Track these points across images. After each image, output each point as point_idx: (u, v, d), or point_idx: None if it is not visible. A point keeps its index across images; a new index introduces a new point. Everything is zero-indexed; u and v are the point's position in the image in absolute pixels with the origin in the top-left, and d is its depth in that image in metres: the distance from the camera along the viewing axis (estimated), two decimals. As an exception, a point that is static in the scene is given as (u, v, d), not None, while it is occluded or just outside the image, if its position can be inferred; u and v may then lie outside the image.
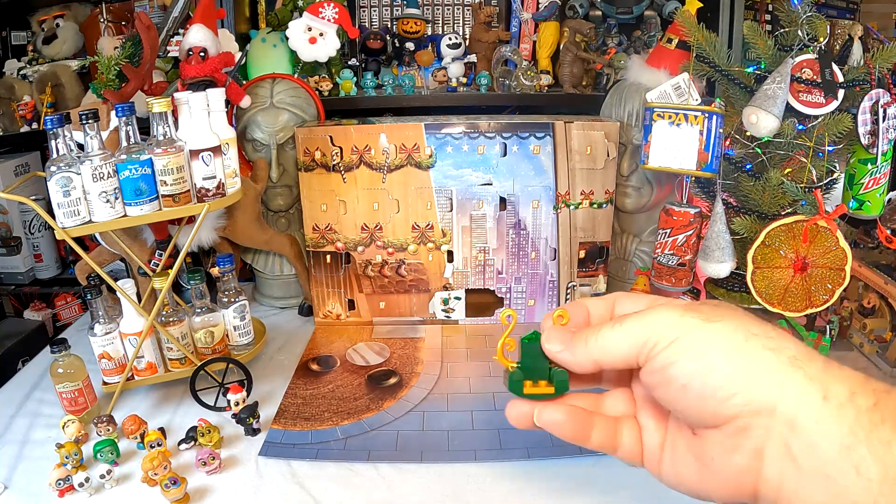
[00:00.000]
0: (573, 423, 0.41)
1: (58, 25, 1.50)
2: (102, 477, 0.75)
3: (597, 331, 0.39)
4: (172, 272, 0.89)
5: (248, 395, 0.91)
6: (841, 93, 0.92)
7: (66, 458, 0.77)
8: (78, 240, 0.82)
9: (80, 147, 0.84)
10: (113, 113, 0.88)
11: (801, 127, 0.95)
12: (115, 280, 0.87)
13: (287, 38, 1.31)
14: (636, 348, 0.36)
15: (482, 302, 1.18)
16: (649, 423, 0.41)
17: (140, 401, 0.94)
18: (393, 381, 0.98)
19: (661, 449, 0.40)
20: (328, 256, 1.16)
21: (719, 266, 0.98)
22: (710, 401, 0.33)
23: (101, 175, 0.79)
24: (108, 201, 0.80)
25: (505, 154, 1.09)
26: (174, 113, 0.90)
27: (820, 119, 0.94)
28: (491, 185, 1.11)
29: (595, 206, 1.13)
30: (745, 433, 0.33)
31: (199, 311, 0.95)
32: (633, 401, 0.43)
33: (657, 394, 0.37)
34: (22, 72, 1.51)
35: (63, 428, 0.83)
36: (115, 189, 0.81)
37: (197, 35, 1.02)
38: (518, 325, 0.41)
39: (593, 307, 0.44)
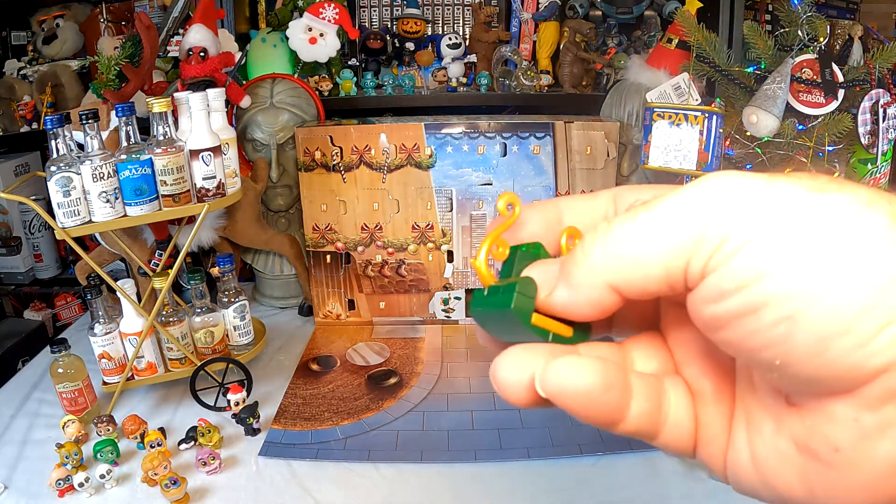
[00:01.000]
0: (606, 388, 0.22)
1: (58, 25, 1.50)
2: (102, 477, 0.74)
3: (606, 230, 0.22)
4: (172, 272, 0.89)
5: (248, 395, 0.91)
6: (841, 93, 0.92)
7: (66, 458, 0.77)
8: (78, 240, 0.82)
9: (80, 147, 0.84)
10: (113, 113, 0.88)
11: (801, 127, 0.95)
12: (115, 280, 0.87)
13: (287, 38, 1.31)
14: (682, 254, 0.20)
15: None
16: (704, 386, 0.25)
17: (140, 401, 0.94)
18: (393, 381, 0.98)
19: (727, 431, 0.24)
20: (328, 256, 1.16)
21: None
22: (836, 345, 0.18)
23: (101, 175, 0.79)
24: (108, 201, 0.80)
25: (505, 154, 1.09)
26: (174, 113, 0.90)
27: (820, 119, 0.94)
28: (491, 185, 1.11)
29: (595, 206, 1.13)
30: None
31: (199, 311, 0.95)
32: (670, 352, 0.26)
33: (725, 337, 0.20)
34: (22, 72, 1.51)
35: (63, 428, 0.83)
36: (115, 189, 0.81)
37: (197, 35, 1.02)
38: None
39: (578, 210, 0.26)
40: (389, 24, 1.53)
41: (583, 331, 0.25)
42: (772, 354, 0.20)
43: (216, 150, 0.87)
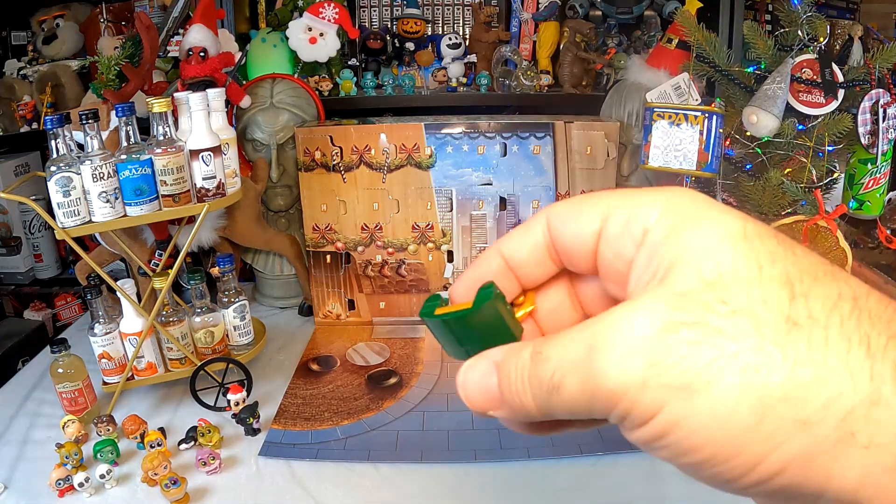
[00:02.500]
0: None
1: (58, 25, 1.50)
2: (102, 477, 0.74)
3: (526, 391, 0.25)
4: (172, 272, 0.89)
5: (248, 395, 0.91)
6: (841, 93, 0.92)
7: (66, 458, 0.77)
8: (78, 240, 0.82)
9: (80, 147, 0.84)
10: (113, 113, 0.88)
11: (801, 127, 0.95)
12: (115, 280, 0.87)
13: (287, 38, 1.31)
14: (600, 414, 0.23)
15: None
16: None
17: (140, 401, 0.94)
18: (393, 381, 0.98)
19: None
20: (328, 256, 1.16)
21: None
22: (728, 487, 0.22)
23: (101, 175, 0.79)
24: (108, 201, 0.80)
25: (505, 154, 1.09)
26: (174, 113, 0.90)
27: (820, 119, 0.94)
28: (491, 185, 1.11)
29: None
30: None
31: (199, 311, 0.95)
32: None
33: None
34: (22, 72, 1.51)
35: (63, 428, 0.83)
36: (115, 189, 0.81)
37: (197, 35, 1.02)
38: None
39: (518, 252, 0.29)
40: (389, 24, 1.53)
41: (482, 301, 0.27)
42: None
43: (216, 150, 0.87)
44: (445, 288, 1.16)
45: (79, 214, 0.80)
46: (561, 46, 1.44)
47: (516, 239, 0.29)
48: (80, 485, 0.73)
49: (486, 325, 0.27)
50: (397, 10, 1.53)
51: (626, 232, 0.25)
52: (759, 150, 0.97)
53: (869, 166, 0.99)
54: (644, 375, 0.21)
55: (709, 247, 0.22)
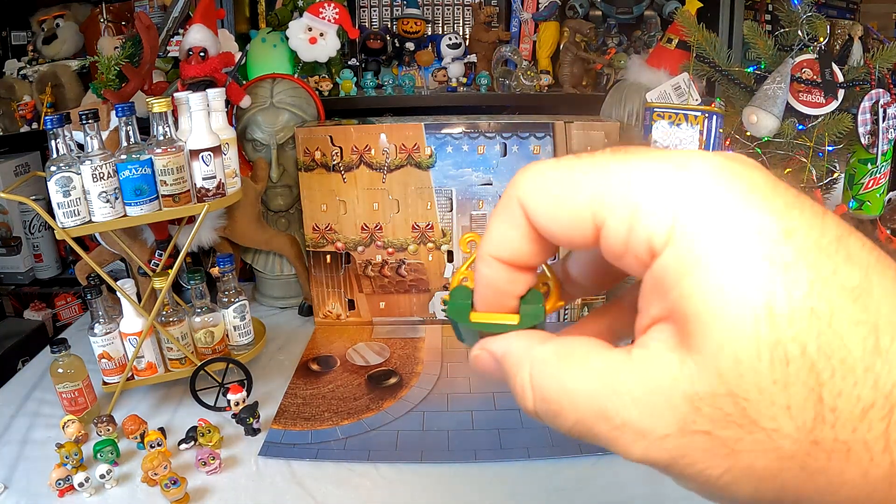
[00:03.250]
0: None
1: (58, 25, 1.50)
2: (102, 477, 0.74)
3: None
4: (172, 272, 0.89)
5: (248, 395, 0.91)
6: (841, 93, 0.92)
7: (66, 458, 0.77)
8: (78, 240, 0.82)
9: (80, 147, 0.84)
10: (113, 113, 0.88)
11: (801, 127, 0.95)
12: (115, 280, 0.87)
13: (287, 38, 1.31)
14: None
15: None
16: None
17: (140, 401, 0.94)
18: (393, 381, 0.98)
19: None
20: (328, 256, 1.16)
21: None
22: None
23: (101, 175, 0.79)
24: (108, 201, 0.80)
25: (505, 154, 1.09)
26: (174, 113, 0.90)
27: (820, 119, 0.94)
28: (491, 185, 1.11)
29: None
30: None
31: (199, 311, 0.95)
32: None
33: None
34: (22, 72, 1.51)
35: (63, 428, 0.83)
36: (115, 189, 0.81)
37: (197, 35, 1.02)
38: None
39: (512, 255, 0.26)
40: (389, 24, 1.53)
41: (529, 321, 0.26)
42: None
43: (216, 150, 0.87)
44: (446, 288, 1.16)
45: (79, 214, 0.80)
46: (561, 46, 1.44)
47: (503, 237, 0.25)
48: (80, 485, 0.73)
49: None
50: (397, 10, 1.53)
51: (629, 248, 0.22)
52: (759, 150, 0.97)
53: (869, 166, 0.99)
54: (666, 464, 0.21)
55: (729, 328, 0.19)
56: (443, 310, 0.27)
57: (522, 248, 0.25)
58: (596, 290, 0.30)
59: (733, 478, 0.20)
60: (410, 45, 1.45)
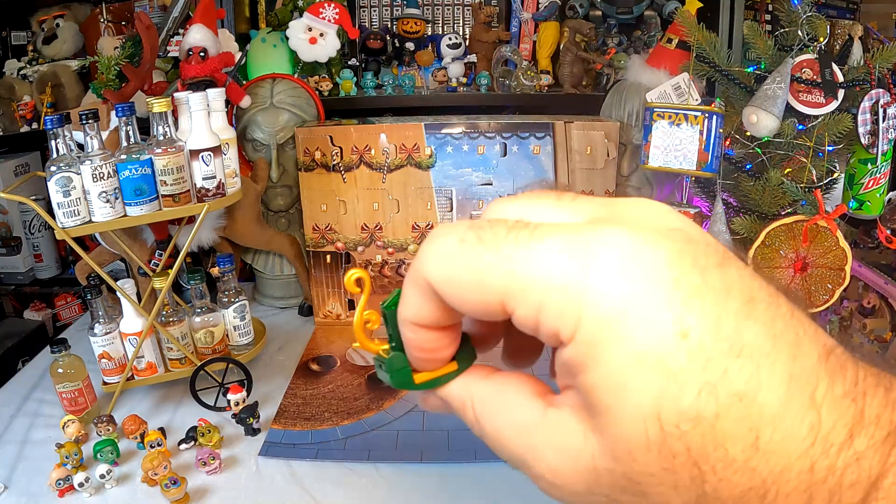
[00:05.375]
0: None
1: (58, 25, 1.50)
2: (102, 477, 0.74)
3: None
4: (172, 272, 0.89)
5: (248, 395, 0.91)
6: (841, 93, 0.92)
7: (66, 458, 0.77)
8: (78, 240, 0.82)
9: (80, 147, 0.84)
10: (113, 113, 0.88)
11: (801, 127, 0.95)
12: (115, 280, 0.87)
13: (287, 38, 1.31)
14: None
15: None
16: None
17: (140, 401, 0.94)
18: (393, 381, 0.98)
19: None
20: (328, 256, 1.16)
21: (719, 266, 0.98)
22: None
23: (101, 175, 0.79)
24: (108, 201, 0.80)
25: (505, 154, 1.09)
26: (174, 113, 0.90)
27: (820, 119, 0.94)
28: (491, 185, 1.11)
29: (595, 206, 1.13)
30: None
31: (199, 311, 0.95)
32: None
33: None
34: (22, 72, 1.51)
35: (63, 428, 0.83)
36: (115, 189, 0.81)
37: (197, 35, 1.02)
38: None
39: (434, 320, 0.27)
40: (389, 24, 1.53)
41: (466, 362, 0.28)
42: None
43: (216, 150, 0.87)
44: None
45: (79, 214, 0.80)
46: (561, 46, 1.44)
47: (417, 305, 0.26)
48: (80, 485, 0.73)
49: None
50: (397, 10, 1.53)
51: (539, 332, 0.23)
52: (759, 150, 0.97)
53: (869, 166, 0.99)
54: None
55: (622, 427, 0.21)
56: (379, 377, 0.29)
57: (439, 315, 0.26)
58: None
59: None
60: (410, 45, 1.45)
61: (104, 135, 0.89)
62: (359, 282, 0.29)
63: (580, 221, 0.23)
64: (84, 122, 0.79)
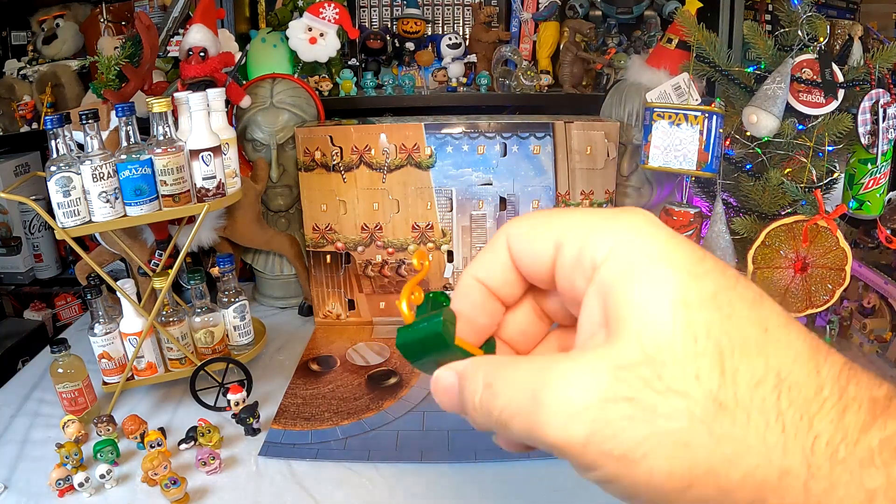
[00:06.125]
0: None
1: (58, 25, 1.50)
2: (102, 477, 0.75)
3: (478, 415, 0.28)
4: (172, 272, 0.89)
5: (248, 395, 0.91)
6: (841, 93, 0.92)
7: (66, 458, 0.77)
8: (78, 240, 0.82)
9: (80, 147, 0.84)
10: (113, 113, 0.88)
11: (801, 127, 0.95)
12: (115, 280, 0.87)
13: (287, 38, 1.31)
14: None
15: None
16: None
17: (140, 401, 0.94)
18: (393, 381, 0.98)
19: None
20: (328, 256, 1.16)
21: (719, 266, 0.98)
22: None
23: (101, 175, 0.79)
24: (108, 201, 0.80)
25: (505, 154, 1.09)
26: (174, 113, 0.90)
27: (820, 119, 0.94)
28: (491, 185, 1.11)
29: (595, 206, 1.13)
30: None
31: (199, 311, 0.95)
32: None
33: None
34: (22, 72, 1.51)
35: (63, 428, 0.83)
36: (115, 189, 0.81)
37: (197, 35, 1.02)
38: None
39: (489, 276, 0.31)
40: (389, 24, 1.53)
41: (489, 348, 0.32)
42: None
43: (216, 150, 0.87)
44: (446, 288, 1.16)
45: (79, 214, 0.80)
46: (561, 46, 1.44)
47: (486, 263, 0.31)
48: (80, 485, 0.73)
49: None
50: (397, 10, 1.53)
51: (578, 265, 0.27)
52: (759, 150, 0.97)
53: (869, 166, 0.99)
54: (585, 440, 0.23)
55: (651, 314, 0.24)
56: (421, 326, 0.30)
57: (499, 275, 0.30)
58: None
59: (651, 448, 0.23)
60: (410, 45, 1.45)
61: (104, 135, 0.89)
62: (420, 258, 0.33)
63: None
64: (84, 122, 0.79)
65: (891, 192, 1.03)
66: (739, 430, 0.22)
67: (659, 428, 0.23)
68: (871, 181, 0.99)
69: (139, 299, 0.93)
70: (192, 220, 0.97)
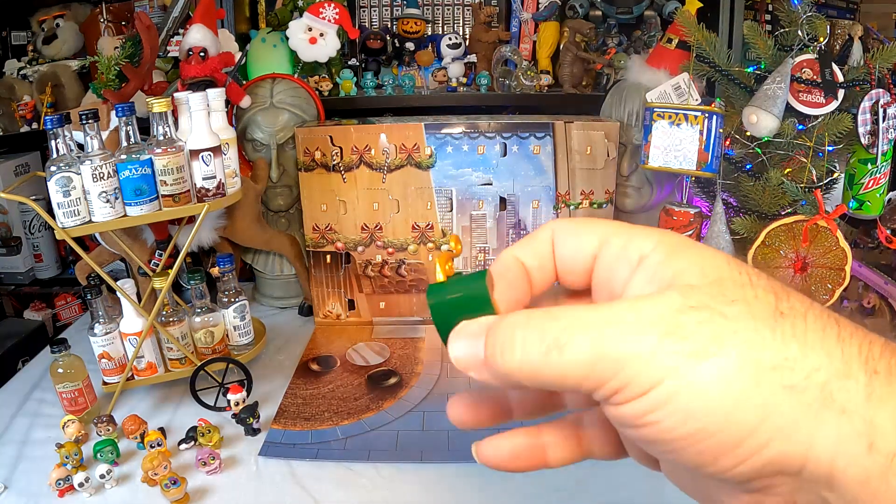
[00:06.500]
0: (516, 454, 0.33)
1: (58, 25, 1.50)
2: (102, 477, 0.75)
3: (522, 343, 0.26)
4: (172, 272, 0.89)
5: (248, 395, 0.91)
6: (841, 93, 0.92)
7: (66, 458, 0.77)
8: (78, 240, 0.82)
9: (80, 147, 0.84)
10: (113, 113, 0.88)
11: (801, 127, 0.95)
12: (115, 280, 0.87)
13: (287, 38, 1.31)
14: (590, 385, 0.25)
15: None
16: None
17: (140, 401, 0.94)
18: (393, 381, 0.98)
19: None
20: (328, 256, 1.16)
21: (719, 266, 0.98)
22: (710, 468, 0.24)
23: (101, 175, 0.79)
24: (108, 201, 0.80)
25: (505, 154, 1.09)
26: (174, 113, 0.90)
27: (820, 119, 0.94)
28: (491, 185, 1.11)
29: (595, 206, 1.13)
30: (764, 492, 0.25)
31: (199, 311, 0.95)
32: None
33: (631, 438, 0.27)
34: (22, 72, 1.51)
35: (63, 428, 0.83)
36: (115, 189, 0.81)
37: (197, 35, 1.02)
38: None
39: (528, 258, 0.31)
40: (389, 24, 1.53)
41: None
42: (666, 457, 0.26)
43: (216, 150, 0.87)
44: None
45: (79, 214, 0.80)
46: (561, 46, 1.44)
47: (527, 246, 0.31)
48: (80, 485, 0.73)
49: None
50: (397, 10, 1.53)
51: (623, 255, 0.28)
52: (759, 150, 0.97)
53: (869, 166, 0.99)
54: (657, 344, 0.23)
55: (706, 261, 0.26)
56: (461, 284, 0.30)
57: (536, 260, 0.31)
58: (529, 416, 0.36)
59: (720, 346, 0.23)
60: (410, 45, 1.45)
61: (104, 135, 0.89)
62: (457, 241, 0.34)
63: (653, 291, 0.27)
64: (84, 122, 0.79)
65: (891, 192, 1.03)
66: (800, 334, 0.24)
67: (728, 328, 0.24)
68: (871, 181, 1.00)
69: (139, 299, 0.93)
70: (192, 220, 0.97)
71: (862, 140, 0.94)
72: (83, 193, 0.79)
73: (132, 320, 0.89)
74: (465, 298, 0.29)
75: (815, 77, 0.93)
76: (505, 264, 0.31)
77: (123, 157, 0.81)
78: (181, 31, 1.19)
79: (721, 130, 0.96)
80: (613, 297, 0.28)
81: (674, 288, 0.25)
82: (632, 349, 0.24)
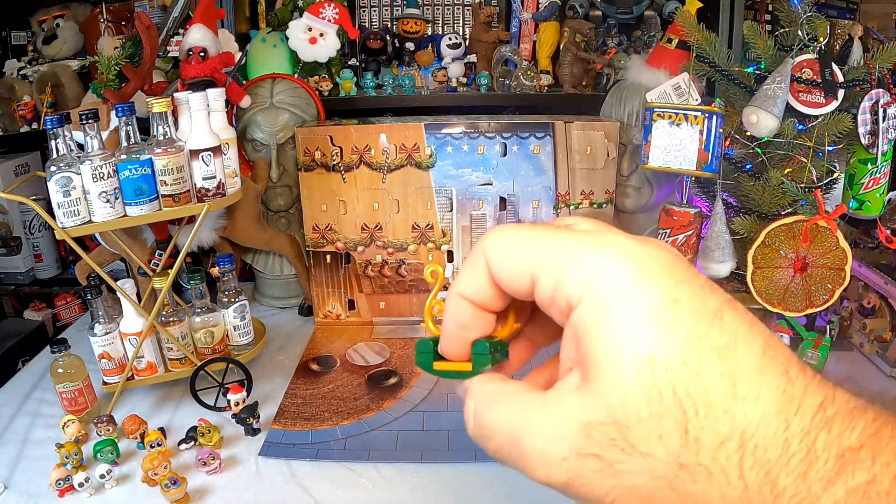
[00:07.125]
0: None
1: (58, 25, 1.50)
2: (102, 477, 0.75)
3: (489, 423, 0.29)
4: (172, 272, 0.89)
5: (248, 395, 0.91)
6: (841, 93, 0.92)
7: (66, 458, 0.77)
8: (78, 240, 0.82)
9: (80, 147, 0.84)
10: (113, 113, 0.88)
11: (801, 127, 0.95)
12: (115, 280, 0.87)
13: (287, 38, 1.31)
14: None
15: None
16: None
17: (140, 401, 0.94)
18: (393, 380, 0.98)
19: None
20: (328, 256, 1.16)
21: (719, 266, 0.98)
22: None
23: (101, 175, 0.79)
24: (108, 201, 0.80)
25: (505, 154, 1.09)
26: (174, 113, 0.90)
27: (820, 119, 0.94)
28: (491, 185, 1.11)
29: (595, 206, 1.13)
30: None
31: (199, 311, 0.95)
32: None
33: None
34: (22, 72, 1.51)
35: (63, 428, 0.83)
36: (115, 189, 0.81)
37: (197, 35, 1.02)
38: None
39: (475, 293, 0.31)
40: (389, 24, 1.53)
41: (480, 365, 0.32)
42: None
43: (216, 150, 0.87)
44: (446, 288, 1.16)
45: (79, 214, 0.80)
46: (561, 46, 1.44)
47: (469, 280, 0.31)
48: (80, 485, 0.73)
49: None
50: (397, 10, 1.53)
51: (554, 303, 0.27)
52: (759, 150, 0.97)
53: (869, 166, 0.99)
54: (565, 485, 0.26)
55: (618, 372, 0.25)
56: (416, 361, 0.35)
57: (483, 291, 0.30)
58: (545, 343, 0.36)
59: (618, 496, 0.25)
60: (410, 45, 1.45)
61: (104, 135, 0.89)
62: (433, 274, 0.35)
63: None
64: (84, 122, 0.79)
65: (891, 192, 1.03)
66: (700, 486, 0.24)
67: (624, 482, 0.25)
68: (871, 181, 0.99)
69: (139, 299, 0.93)
70: (192, 220, 0.97)
71: (862, 140, 0.94)
72: (83, 193, 0.79)
73: (132, 320, 0.89)
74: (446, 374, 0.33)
75: (815, 77, 0.92)
76: (455, 307, 0.31)
77: (123, 157, 0.81)
78: (181, 31, 1.19)
79: (721, 130, 0.95)
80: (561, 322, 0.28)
81: (579, 415, 0.26)
82: (546, 482, 0.27)
